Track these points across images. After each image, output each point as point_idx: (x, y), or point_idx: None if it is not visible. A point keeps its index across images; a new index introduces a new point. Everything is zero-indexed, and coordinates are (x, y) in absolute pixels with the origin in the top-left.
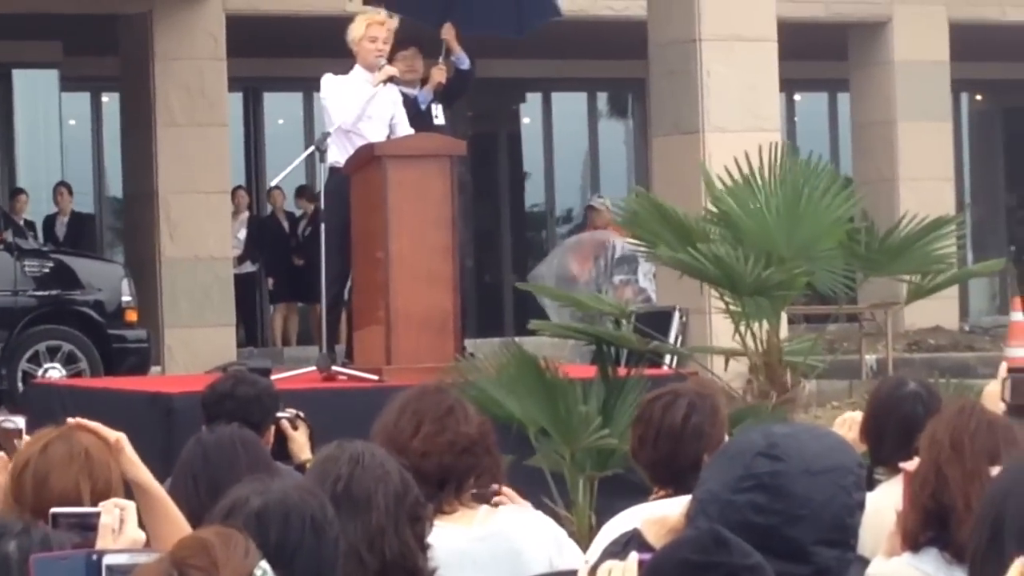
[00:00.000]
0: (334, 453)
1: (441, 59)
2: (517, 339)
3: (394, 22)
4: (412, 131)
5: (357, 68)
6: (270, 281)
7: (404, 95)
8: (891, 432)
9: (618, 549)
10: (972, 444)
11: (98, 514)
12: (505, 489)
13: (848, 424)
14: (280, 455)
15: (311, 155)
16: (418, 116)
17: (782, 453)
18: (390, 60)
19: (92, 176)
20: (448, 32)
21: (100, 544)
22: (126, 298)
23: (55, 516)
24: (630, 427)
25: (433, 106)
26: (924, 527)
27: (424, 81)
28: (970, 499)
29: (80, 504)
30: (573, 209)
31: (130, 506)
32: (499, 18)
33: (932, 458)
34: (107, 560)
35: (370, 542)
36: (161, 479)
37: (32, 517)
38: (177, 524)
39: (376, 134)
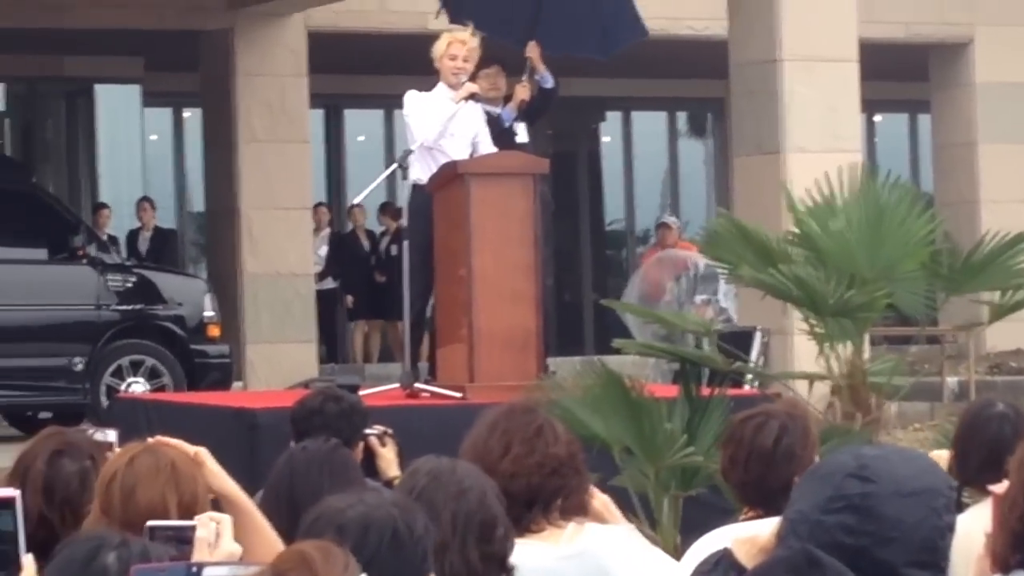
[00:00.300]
0: (420, 467)
1: (525, 77)
2: (597, 358)
3: (476, 40)
4: (495, 149)
5: (440, 85)
6: (349, 299)
7: (487, 113)
8: (979, 453)
9: (709, 569)
10: None
11: (194, 527)
12: (601, 496)
13: None
14: (369, 471)
15: (393, 172)
16: (501, 134)
17: (872, 474)
18: (473, 78)
19: (174, 191)
20: (532, 51)
21: (196, 557)
22: (208, 313)
23: (152, 529)
24: (719, 447)
25: (516, 124)
26: (1013, 550)
27: (507, 99)
28: None
29: (167, 517)
30: (652, 228)
31: (225, 520)
32: (584, 39)
33: (1022, 480)
34: (207, 572)
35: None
36: (247, 494)
37: (120, 529)
38: (267, 536)
39: (458, 152)
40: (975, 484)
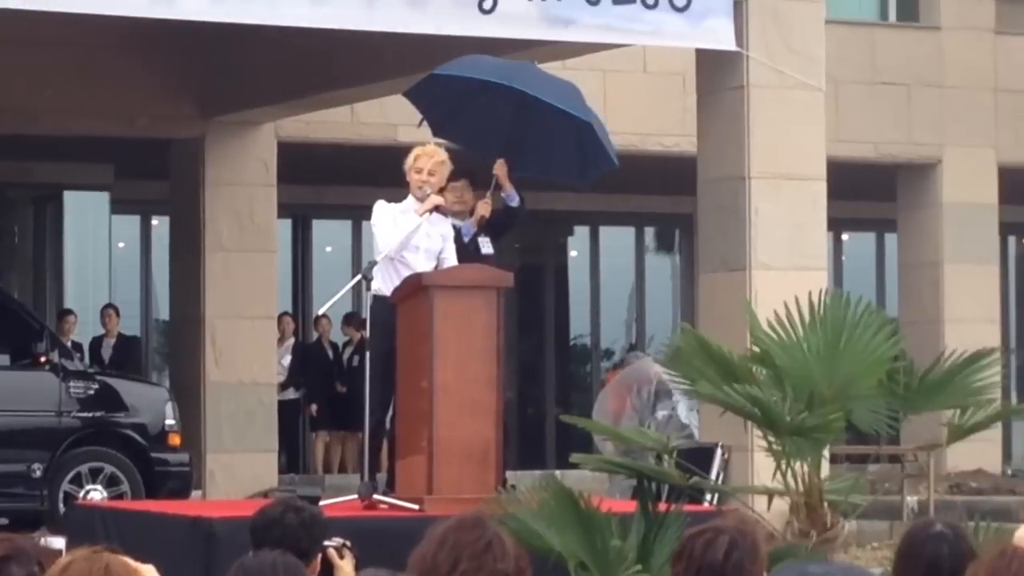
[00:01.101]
0: None
1: (489, 193)
2: (559, 472)
3: (443, 154)
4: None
5: (409, 197)
6: (313, 407)
7: (452, 226)
8: (916, 573)
9: None
10: None
11: None
12: None
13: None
14: None
15: (358, 283)
16: (464, 247)
17: None
18: (441, 191)
19: (140, 299)
20: (500, 168)
21: None
22: (169, 421)
23: None
24: (669, 562)
25: (480, 238)
26: None
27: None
28: None
29: None
30: (618, 343)
31: None
32: (563, 164)
33: None
34: None
35: None
36: None
37: None
38: None
39: (422, 264)
40: None
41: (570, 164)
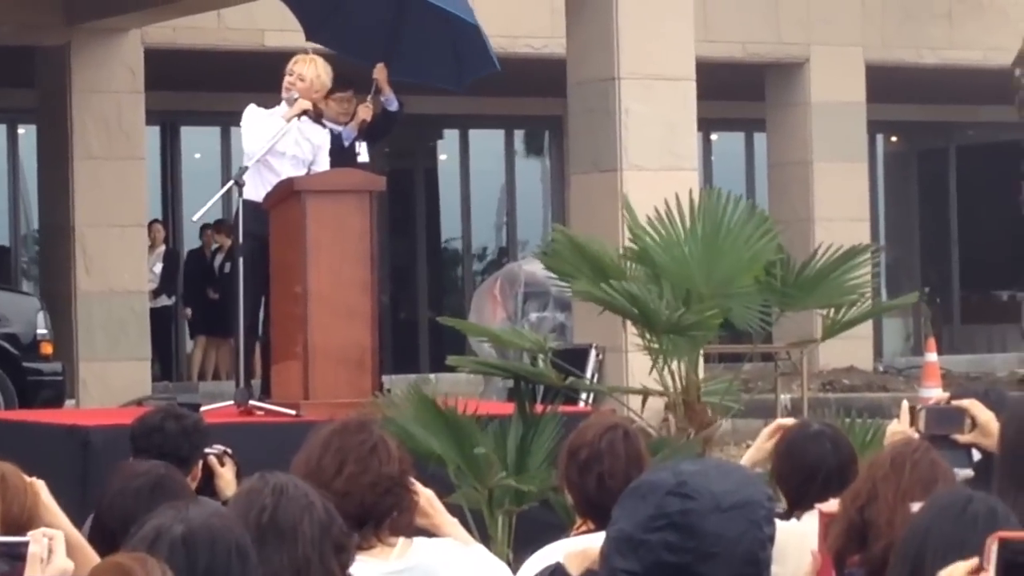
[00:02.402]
0: (257, 484)
1: (369, 98)
2: (434, 376)
3: (320, 62)
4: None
5: (283, 103)
6: (188, 312)
7: (331, 131)
8: (800, 474)
9: None
10: (912, 471)
11: (27, 543)
12: (424, 491)
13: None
14: (207, 491)
15: (229, 189)
16: (342, 152)
17: (692, 491)
18: (326, 99)
19: (7, 208)
20: (380, 72)
21: (28, 573)
22: (41, 331)
23: None
24: (551, 461)
25: (357, 143)
26: (847, 540)
27: (352, 118)
28: (895, 521)
29: None
30: (489, 246)
31: (59, 535)
32: (440, 69)
33: (870, 474)
34: None
35: (296, 572)
36: (77, 511)
37: None
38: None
39: (291, 171)
40: (799, 506)
41: (447, 68)
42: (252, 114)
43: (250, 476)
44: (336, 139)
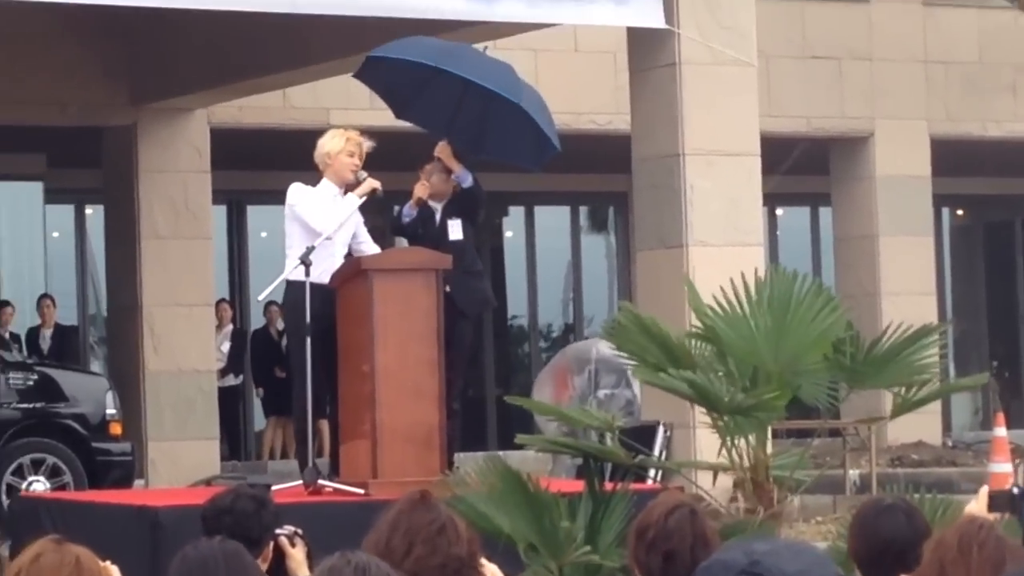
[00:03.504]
0: (338, 564)
1: (423, 175)
2: (503, 453)
3: (367, 141)
4: (372, 242)
5: (325, 182)
6: (260, 391)
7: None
8: (874, 548)
9: None
10: (980, 553)
11: None
12: (490, 566)
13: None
14: (278, 572)
15: (296, 268)
16: (433, 232)
17: (764, 571)
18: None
19: (76, 288)
20: (442, 150)
21: None
22: (110, 411)
23: None
24: (621, 541)
25: (450, 221)
26: None
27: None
28: None
29: None
30: (555, 323)
31: None
32: (523, 149)
33: (938, 558)
34: None
35: None
36: None
37: None
38: None
39: (342, 249)
40: None
41: (530, 147)
42: (306, 193)
43: (321, 556)
44: (429, 217)
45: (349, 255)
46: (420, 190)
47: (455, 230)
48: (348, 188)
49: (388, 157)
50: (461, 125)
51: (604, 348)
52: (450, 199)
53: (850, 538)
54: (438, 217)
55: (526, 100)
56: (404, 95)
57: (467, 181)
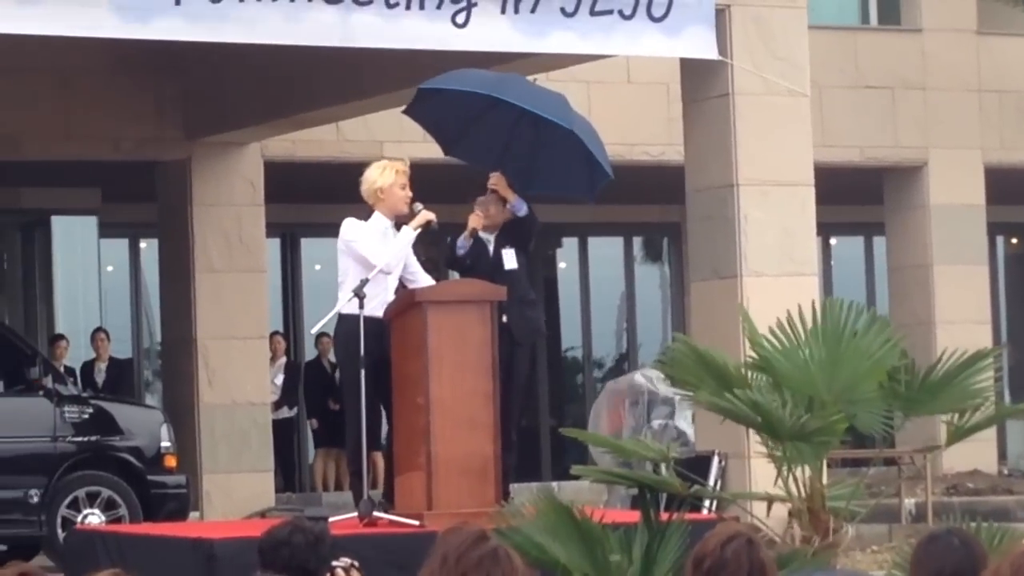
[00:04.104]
0: None
1: (477, 208)
2: (556, 484)
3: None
4: (424, 272)
5: (377, 215)
6: (313, 422)
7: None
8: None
9: None
10: None
11: None
12: None
13: None
14: None
15: (350, 302)
16: (486, 263)
17: None
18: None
19: (131, 322)
20: (498, 182)
21: None
22: (165, 444)
23: None
24: (678, 571)
25: (504, 252)
26: None
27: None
28: None
29: None
30: (609, 354)
31: None
32: (575, 181)
33: None
34: None
35: None
36: None
37: None
38: None
39: (394, 282)
40: None
41: (582, 179)
42: (360, 228)
43: None
44: (483, 248)
45: (401, 287)
46: (475, 221)
47: (509, 259)
48: (401, 220)
49: (441, 189)
50: (513, 157)
51: (656, 379)
52: (502, 229)
53: (912, 569)
54: (491, 248)
55: (578, 127)
56: (453, 131)
57: (522, 210)
